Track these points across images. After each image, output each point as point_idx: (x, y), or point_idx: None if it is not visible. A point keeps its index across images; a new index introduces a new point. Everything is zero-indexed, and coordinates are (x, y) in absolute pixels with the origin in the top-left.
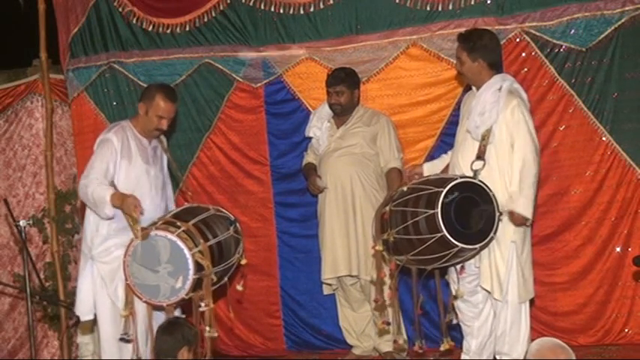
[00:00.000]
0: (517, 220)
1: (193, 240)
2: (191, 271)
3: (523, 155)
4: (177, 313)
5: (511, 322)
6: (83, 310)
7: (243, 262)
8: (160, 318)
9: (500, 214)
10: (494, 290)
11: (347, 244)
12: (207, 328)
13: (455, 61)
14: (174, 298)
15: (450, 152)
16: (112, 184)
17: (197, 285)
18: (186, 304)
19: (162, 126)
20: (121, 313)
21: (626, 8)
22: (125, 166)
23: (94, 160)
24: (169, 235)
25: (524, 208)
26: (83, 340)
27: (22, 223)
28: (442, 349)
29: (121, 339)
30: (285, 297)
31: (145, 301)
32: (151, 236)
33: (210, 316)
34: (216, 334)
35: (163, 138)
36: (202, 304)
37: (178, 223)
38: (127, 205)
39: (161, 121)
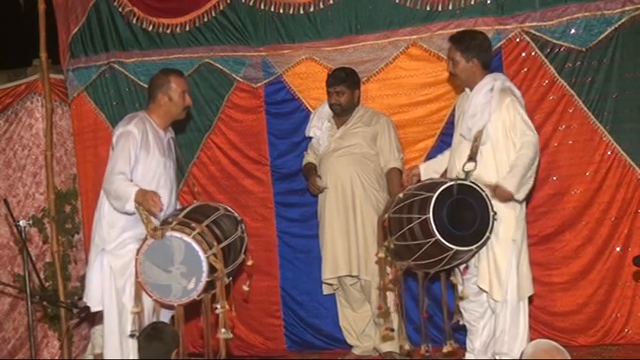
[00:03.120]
0: (500, 194)
1: (207, 242)
2: (205, 274)
3: (520, 146)
4: (164, 317)
5: (510, 321)
6: (94, 302)
7: (249, 262)
8: (165, 316)
9: (495, 213)
10: (494, 290)
11: (347, 244)
12: (223, 330)
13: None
14: (186, 298)
15: (446, 152)
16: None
17: (208, 287)
18: (193, 307)
19: (188, 101)
20: (132, 310)
21: (626, 8)
22: (143, 158)
23: (118, 153)
24: (185, 237)
25: (510, 184)
26: (97, 329)
27: (22, 223)
28: (445, 350)
29: (131, 335)
30: (285, 297)
31: (155, 300)
32: (166, 236)
33: (225, 318)
34: (231, 336)
35: (172, 131)
36: (218, 307)
37: (193, 225)
38: (147, 200)
39: (186, 96)
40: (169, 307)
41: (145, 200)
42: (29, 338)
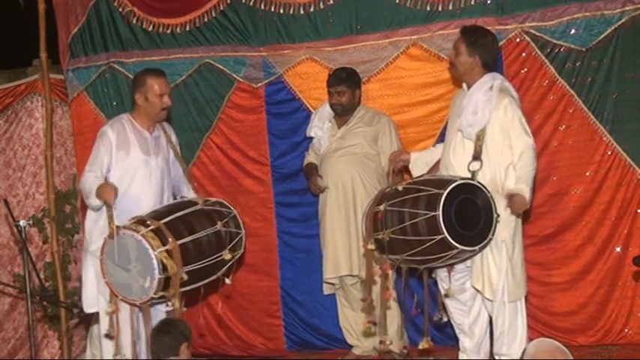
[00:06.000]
0: (517, 202)
1: (161, 239)
2: (156, 271)
3: (521, 151)
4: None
5: (509, 323)
6: (88, 303)
7: (227, 257)
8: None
9: (498, 215)
10: (485, 290)
11: (348, 243)
12: None
13: None
14: (145, 297)
15: (438, 145)
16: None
17: (167, 284)
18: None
19: (166, 103)
20: (106, 310)
21: (626, 8)
22: (122, 157)
23: (91, 155)
24: (135, 235)
25: (525, 192)
26: (95, 332)
27: (22, 223)
28: (421, 347)
29: (106, 335)
30: (285, 297)
31: (122, 299)
32: (119, 235)
33: (179, 316)
34: None
35: (169, 128)
36: (169, 304)
37: (148, 222)
38: (100, 190)
39: (163, 99)
40: (132, 304)
41: (99, 191)
42: (29, 338)
